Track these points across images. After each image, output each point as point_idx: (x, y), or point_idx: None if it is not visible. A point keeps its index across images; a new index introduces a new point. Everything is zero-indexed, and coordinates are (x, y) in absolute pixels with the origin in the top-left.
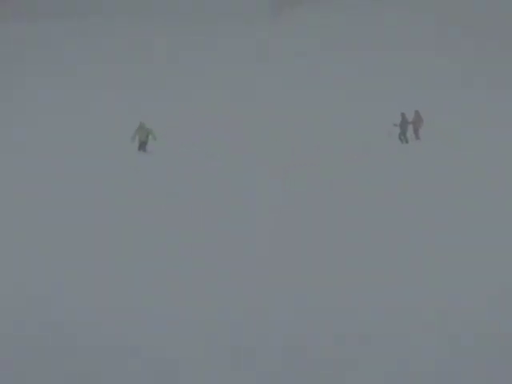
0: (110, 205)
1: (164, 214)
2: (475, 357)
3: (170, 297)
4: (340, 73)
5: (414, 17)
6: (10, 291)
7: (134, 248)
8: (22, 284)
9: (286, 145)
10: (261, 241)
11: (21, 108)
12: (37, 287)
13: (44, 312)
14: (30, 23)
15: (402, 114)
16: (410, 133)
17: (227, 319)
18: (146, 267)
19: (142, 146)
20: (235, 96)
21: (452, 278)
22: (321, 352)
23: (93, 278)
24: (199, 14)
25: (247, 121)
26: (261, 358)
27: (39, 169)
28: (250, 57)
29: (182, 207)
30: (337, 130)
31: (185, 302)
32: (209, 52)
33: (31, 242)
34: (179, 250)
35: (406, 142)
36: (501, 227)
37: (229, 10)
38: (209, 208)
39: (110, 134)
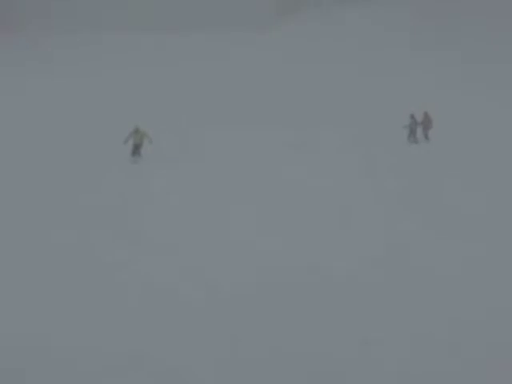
0: (105, 209)
1: (160, 218)
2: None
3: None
4: (347, 75)
5: (422, 17)
6: None
7: (134, 249)
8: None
9: (290, 146)
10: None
11: (14, 106)
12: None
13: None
14: (33, 30)
15: (411, 116)
16: (419, 134)
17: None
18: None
19: (137, 149)
20: (235, 100)
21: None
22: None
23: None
24: (201, 18)
25: (247, 124)
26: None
27: (29, 170)
28: (252, 61)
29: (180, 211)
30: (343, 132)
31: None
32: (210, 56)
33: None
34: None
35: (416, 142)
36: (509, 228)
37: (233, 16)
38: (208, 212)
39: (103, 137)
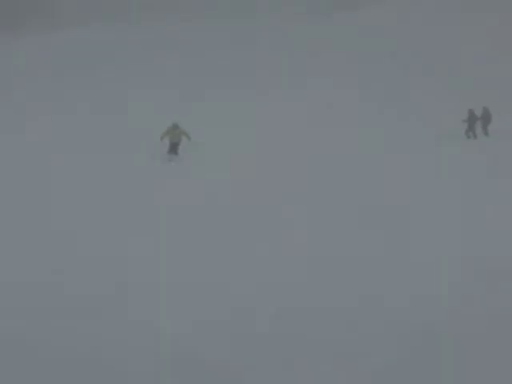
0: (137, 208)
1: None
2: None
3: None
4: (404, 69)
5: (474, 10)
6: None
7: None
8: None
9: (333, 141)
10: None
11: (43, 105)
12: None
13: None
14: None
15: (470, 110)
16: (478, 130)
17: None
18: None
19: (174, 147)
20: (276, 97)
21: None
22: None
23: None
24: (251, 14)
25: (288, 121)
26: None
27: (62, 168)
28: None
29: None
30: (399, 126)
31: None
32: (252, 51)
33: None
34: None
35: (475, 137)
36: None
37: (279, 10)
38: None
39: (140, 134)
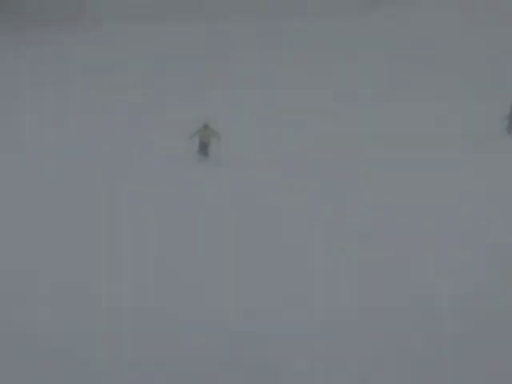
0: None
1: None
2: None
3: None
4: (445, 64)
5: None
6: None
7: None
8: None
9: (384, 143)
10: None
11: (77, 107)
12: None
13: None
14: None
15: None
16: None
17: None
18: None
19: (203, 147)
20: (319, 97)
21: None
22: None
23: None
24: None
25: (331, 126)
26: None
27: (94, 168)
28: (339, 55)
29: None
30: (441, 121)
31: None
32: (296, 50)
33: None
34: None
35: None
36: None
37: (320, 6)
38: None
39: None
